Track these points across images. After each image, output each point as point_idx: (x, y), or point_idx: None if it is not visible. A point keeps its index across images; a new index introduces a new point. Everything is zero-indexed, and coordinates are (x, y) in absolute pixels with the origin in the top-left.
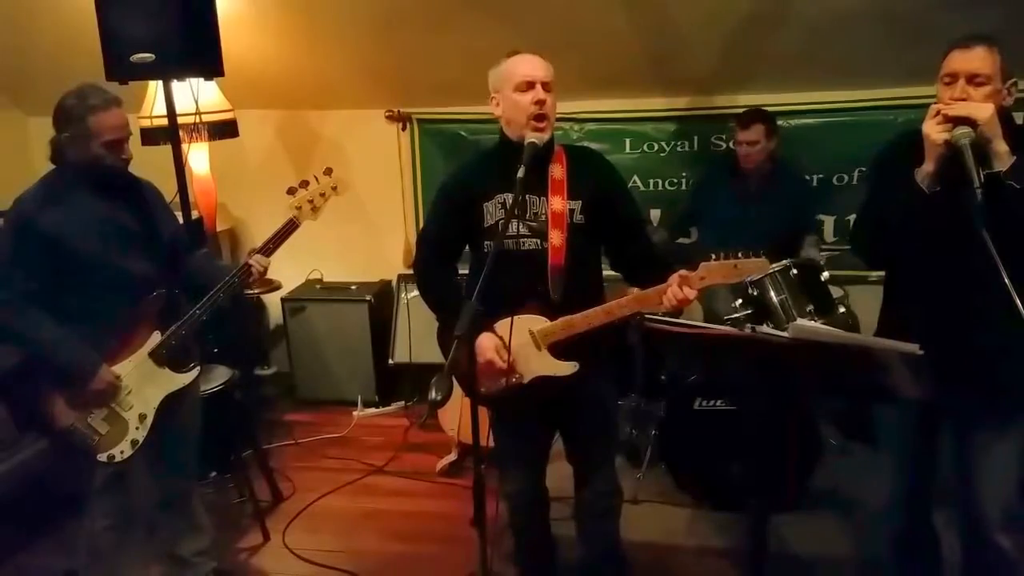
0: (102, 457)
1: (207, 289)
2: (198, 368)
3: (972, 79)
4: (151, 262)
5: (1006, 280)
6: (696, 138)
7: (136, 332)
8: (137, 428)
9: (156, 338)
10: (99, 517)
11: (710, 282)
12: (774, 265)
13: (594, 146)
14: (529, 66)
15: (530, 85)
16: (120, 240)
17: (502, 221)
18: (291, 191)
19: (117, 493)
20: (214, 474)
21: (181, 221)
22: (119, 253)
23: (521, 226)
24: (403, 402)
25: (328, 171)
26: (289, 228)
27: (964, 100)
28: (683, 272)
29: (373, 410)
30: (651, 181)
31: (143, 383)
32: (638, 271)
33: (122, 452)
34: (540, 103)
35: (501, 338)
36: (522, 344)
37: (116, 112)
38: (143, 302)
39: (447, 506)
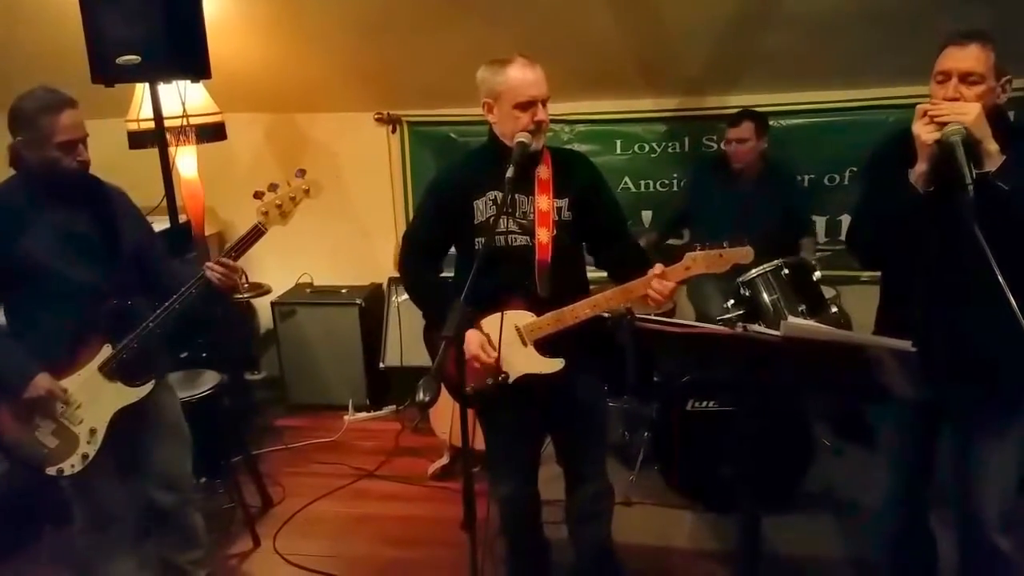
0: (51, 471)
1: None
2: (152, 383)
3: (965, 78)
4: (107, 271)
5: (1000, 280)
6: (687, 139)
7: (86, 344)
8: (88, 442)
9: (107, 351)
10: (77, 522)
11: (696, 272)
12: (765, 265)
13: (584, 147)
14: (533, 86)
15: (531, 103)
16: (73, 247)
17: (493, 218)
18: (257, 195)
19: (87, 501)
20: (203, 480)
21: (168, 225)
22: (71, 261)
23: (511, 223)
24: (394, 406)
25: (301, 172)
26: (254, 235)
27: (956, 99)
28: (660, 266)
29: (364, 414)
30: (642, 182)
31: (93, 397)
32: (622, 268)
33: (72, 466)
34: (539, 123)
35: (487, 335)
36: (507, 340)
37: (69, 113)
38: (95, 313)
39: (439, 510)
